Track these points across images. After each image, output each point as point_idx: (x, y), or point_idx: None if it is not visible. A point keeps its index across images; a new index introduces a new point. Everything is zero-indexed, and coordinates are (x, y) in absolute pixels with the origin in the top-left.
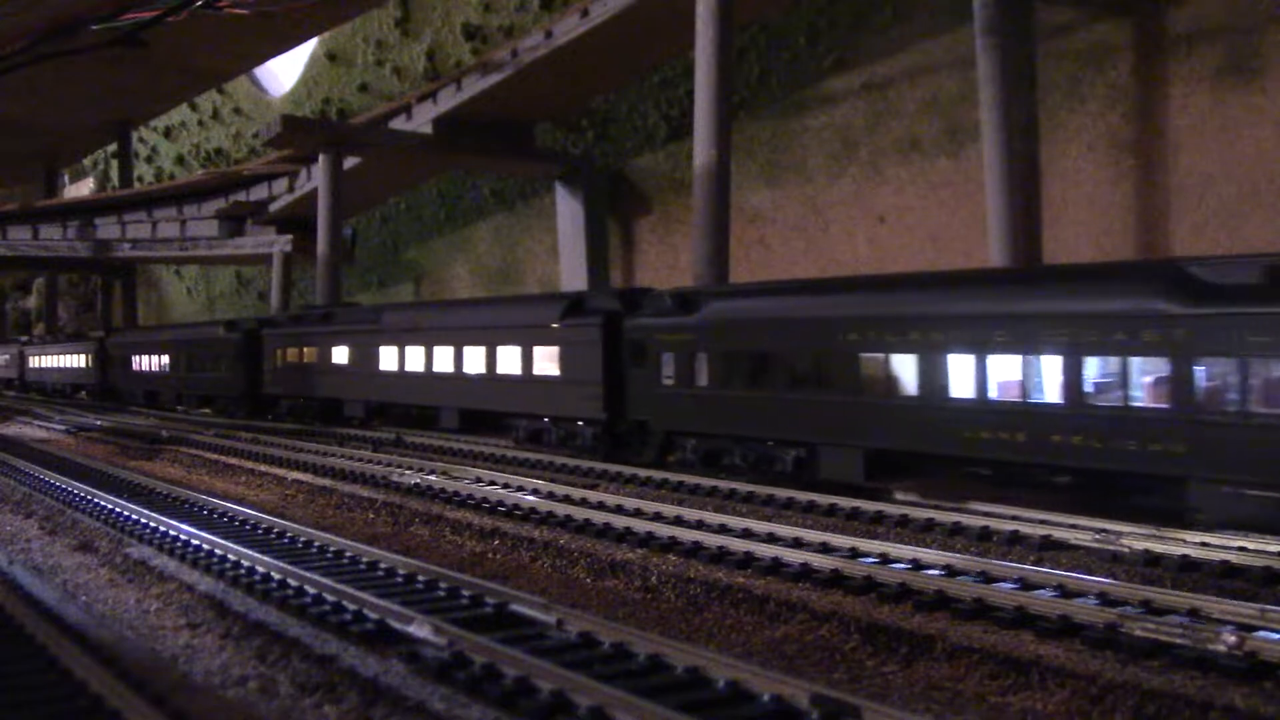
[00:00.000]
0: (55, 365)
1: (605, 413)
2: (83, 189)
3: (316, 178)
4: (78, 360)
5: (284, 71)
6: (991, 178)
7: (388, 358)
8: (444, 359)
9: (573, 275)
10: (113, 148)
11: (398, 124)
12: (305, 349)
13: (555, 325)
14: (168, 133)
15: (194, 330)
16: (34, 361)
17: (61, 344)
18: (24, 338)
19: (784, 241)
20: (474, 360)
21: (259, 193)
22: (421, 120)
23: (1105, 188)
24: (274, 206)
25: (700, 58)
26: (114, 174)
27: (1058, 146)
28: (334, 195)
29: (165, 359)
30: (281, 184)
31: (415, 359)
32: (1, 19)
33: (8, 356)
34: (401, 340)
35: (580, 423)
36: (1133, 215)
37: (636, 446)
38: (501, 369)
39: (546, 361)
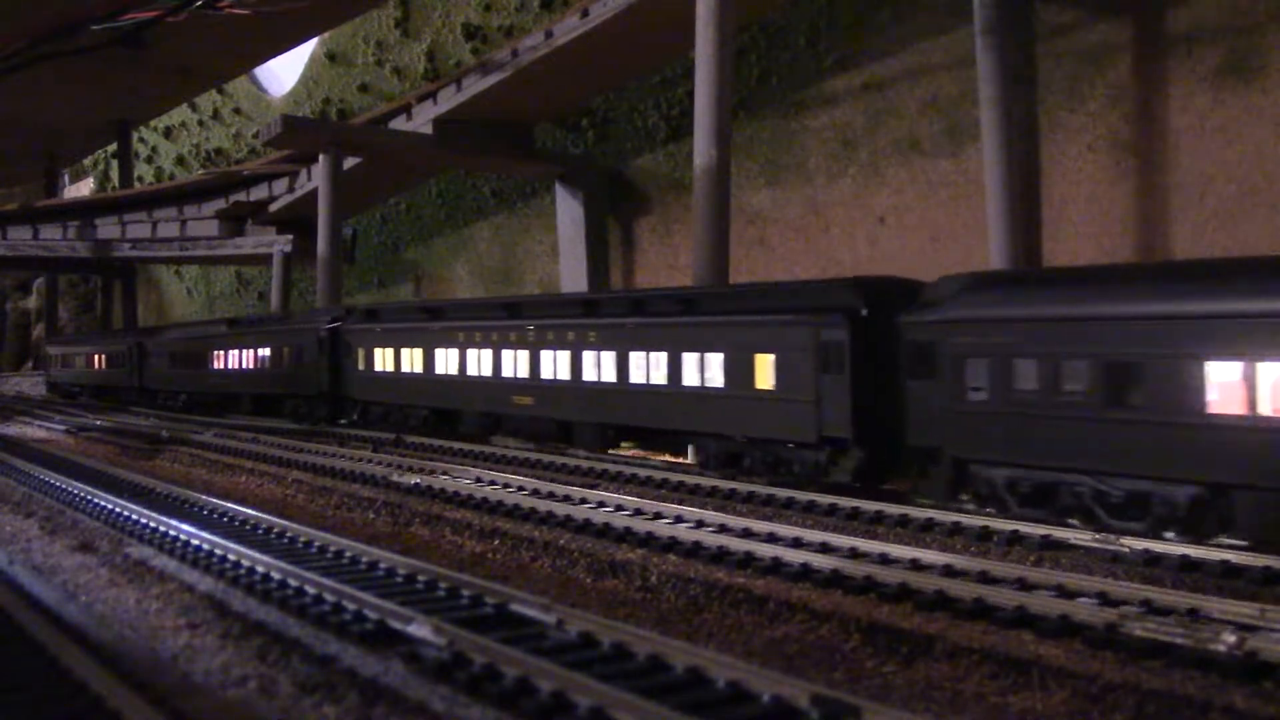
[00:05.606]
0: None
1: (329, 389)
2: (83, 189)
3: (316, 178)
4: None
5: (284, 71)
6: (991, 178)
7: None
8: (247, 359)
9: (573, 275)
10: (113, 148)
11: (398, 124)
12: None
13: (321, 330)
14: (168, 133)
15: None
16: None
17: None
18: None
19: (784, 241)
20: (263, 358)
21: (259, 193)
22: (421, 120)
23: (1105, 188)
24: (274, 206)
25: (700, 58)
26: (114, 174)
27: (1058, 146)
28: (334, 195)
29: None
30: (281, 184)
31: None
32: (1, 19)
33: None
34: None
35: (313, 397)
36: (1133, 215)
37: (351, 412)
38: (275, 364)
39: (297, 356)
